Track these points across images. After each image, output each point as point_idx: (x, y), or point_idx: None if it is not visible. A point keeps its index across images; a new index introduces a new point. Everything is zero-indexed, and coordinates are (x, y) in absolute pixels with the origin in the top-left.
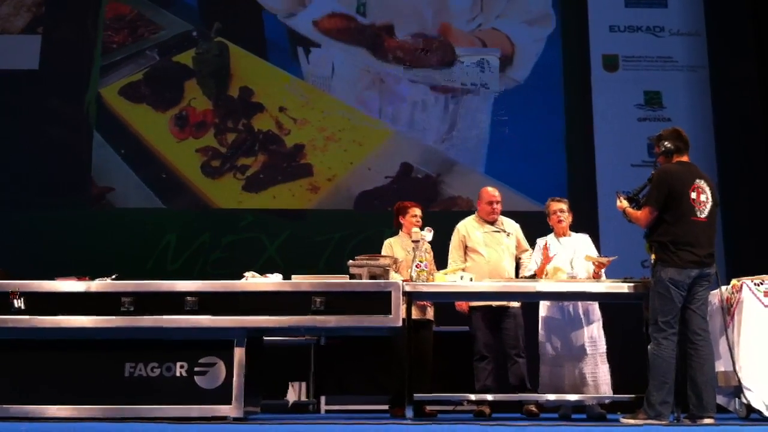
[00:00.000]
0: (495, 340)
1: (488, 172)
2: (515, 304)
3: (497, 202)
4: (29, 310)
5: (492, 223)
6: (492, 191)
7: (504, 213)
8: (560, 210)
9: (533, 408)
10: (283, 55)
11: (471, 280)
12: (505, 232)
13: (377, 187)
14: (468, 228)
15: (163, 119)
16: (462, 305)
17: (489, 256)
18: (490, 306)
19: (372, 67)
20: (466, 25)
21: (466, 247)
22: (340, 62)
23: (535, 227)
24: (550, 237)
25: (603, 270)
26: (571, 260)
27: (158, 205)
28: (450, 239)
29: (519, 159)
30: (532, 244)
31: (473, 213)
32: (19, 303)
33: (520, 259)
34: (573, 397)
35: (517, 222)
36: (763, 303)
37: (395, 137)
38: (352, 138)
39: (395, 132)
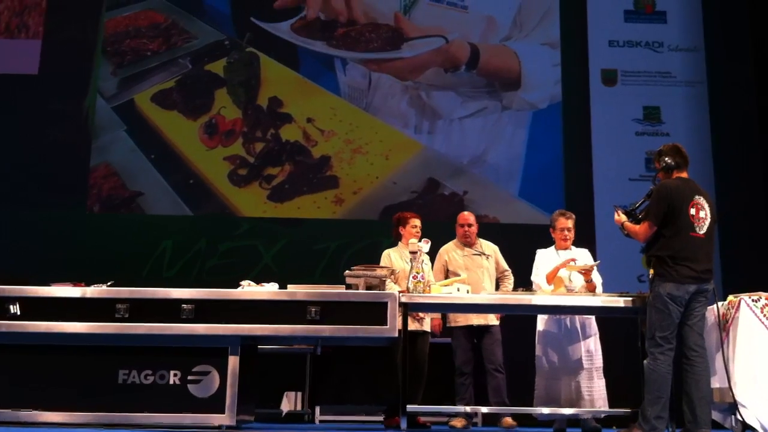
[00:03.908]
0: (474, 357)
1: (521, 194)
2: (495, 321)
3: (468, 225)
4: (24, 315)
5: (471, 246)
6: (466, 215)
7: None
8: (567, 228)
9: (510, 420)
10: (316, 66)
11: (468, 292)
12: (484, 254)
13: (402, 202)
14: (449, 252)
15: (193, 127)
16: (435, 327)
17: (469, 279)
18: (471, 324)
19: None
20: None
21: (447, 271)
22: (377, 75)
23: (533, 239)
24: (550, 250)
25: (597, 280)
26: (569, 274)
27: (184, 210)
28: None
29: (527, 173)
30: (533, 255)
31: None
32: (14, 308)
33: (500, 279)
34: (568, 411)
35: (517, 234)
36: (759, 319)
37: (422, 153)
38: (379, 151)
39: (423, 148)
